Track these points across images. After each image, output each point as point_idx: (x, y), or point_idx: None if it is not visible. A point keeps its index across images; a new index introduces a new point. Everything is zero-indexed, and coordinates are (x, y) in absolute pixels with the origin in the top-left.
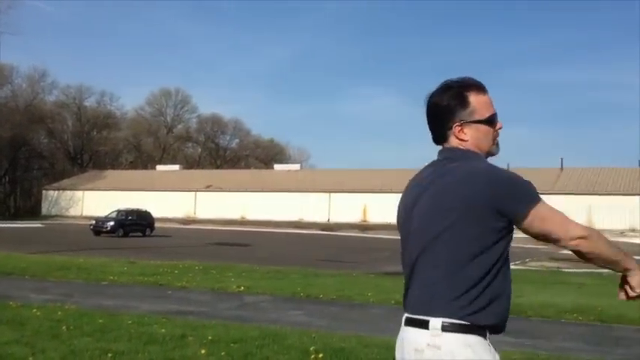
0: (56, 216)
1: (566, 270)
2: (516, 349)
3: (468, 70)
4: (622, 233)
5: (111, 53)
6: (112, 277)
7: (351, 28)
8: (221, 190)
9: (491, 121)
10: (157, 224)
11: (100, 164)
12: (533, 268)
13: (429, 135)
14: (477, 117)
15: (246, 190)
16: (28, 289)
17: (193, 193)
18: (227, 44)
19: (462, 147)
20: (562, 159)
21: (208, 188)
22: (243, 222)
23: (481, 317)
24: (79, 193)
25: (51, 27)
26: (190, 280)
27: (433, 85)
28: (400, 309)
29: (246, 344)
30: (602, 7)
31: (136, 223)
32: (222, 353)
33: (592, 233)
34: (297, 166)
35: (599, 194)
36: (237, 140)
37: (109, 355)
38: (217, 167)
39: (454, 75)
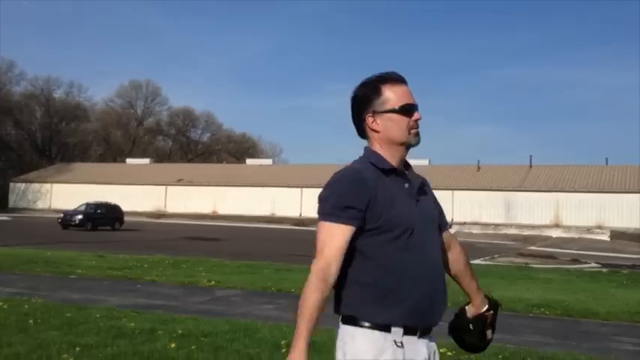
0: (24, 209)
1: (534, 266)
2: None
3: (438, 67)
4: (589, 230)
5: (80, 44)
6: (80, 271)
7: (325, 25)
8: (192, 184)
9: (405, 110)
10: (126, 218)
11: (68, 157)
12: (502, 264)
13: None
14: (389, 106)
15: (217, 185)
16: None
17: (164, 187)
18: (200, 37)
19: (369, 145)
20: (531, 156)
21: (179, 182)
22: (214, 217)
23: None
24: (47, 186)
25: (18, 18)
26: (160, 274)
27: (414, 81)
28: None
29: (217, 338)
30: (571, 6)
31: (105, 216)
32: (193, 347)
33: (307, 290)
34: (269, 161)
35: (567, 191)
36: (208, 134)
37: (77, 348)
38: (189, 161)
39: (423, 72)
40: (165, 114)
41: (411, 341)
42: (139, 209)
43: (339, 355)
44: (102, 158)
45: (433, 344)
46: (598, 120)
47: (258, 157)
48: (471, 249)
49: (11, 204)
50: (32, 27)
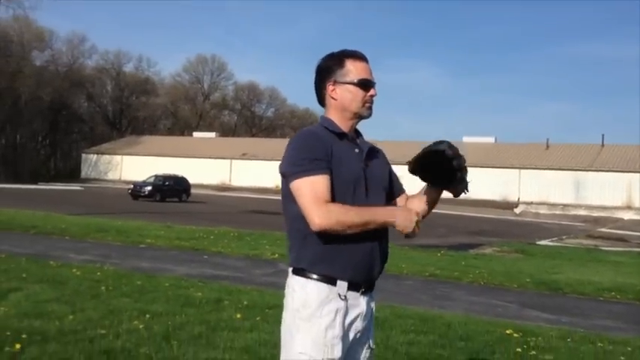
0: (95, 179)
1: (604, 248)
2: (553, 325)
3: (508, 43)
4: None
5: (148, 18)
6: (149, 240)
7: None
8: (256, 158)
9: (363, 84)
10: (192, 190)
11: (138, 130)
12: (570, 246)
13: (466, 109)
14: (349, 79)
15: (280, 159)
16: (68, 249)
17: (229, 160)
18: (265, 12)
19: (324, 114)
20: (603, 135)
21: (244, 156)
22: (277, 191)
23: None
24: (117, 158)
25: None
26: (226, 246)
27: (472, 58)
28: (433, 281)
29: (281, 310)
30: None
31: (173, 188)
32: (257, 318)
33: (331, 220)
34: None
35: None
36: (272, 109)
37: (147, 315)
38: (253, 135)
39: (492, 47)
40: (230, 89)
41: (354, 296)
42: (205, 182)
43: (287, 300)
44: (170, 132)
45: (373, 303)
46: None
47: None
48: (537, 229)
49: (83, 175)
50: (102, 1)
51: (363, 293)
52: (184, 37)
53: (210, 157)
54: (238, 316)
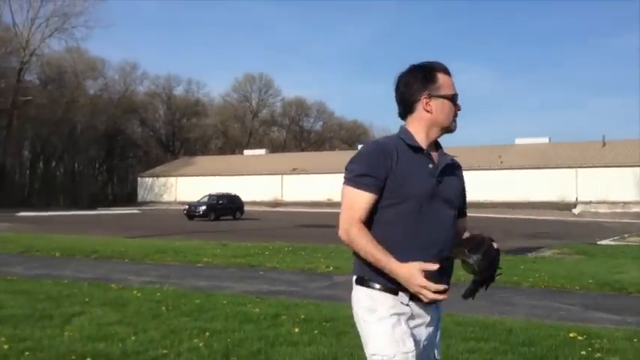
0: (151, 202)
1: None
2: (618, 326)
3: (559, 36)
4: None
5: (195, 41)
6: (206, 259)
7: (431, 4)
8: (307, 172)
9: (454, 98)
10: (245, 207)
11: (190, 150)
12: (633, 244)
13: (517, 110)
14: (443, 92)
15: (331, 172)
16: (128, 272)
17: (280, 176)
18: (307, 26)
19: (406, 126)
20: None
21: (294, 171)
22: (329, 204)
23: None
24: (172, 179)
25: (138, 18)
26: (281, 261)
27: (518, 56)
28: (492, 287)
29: (339, 323)
30: None
31: (227, 207)
32: (316, 332)
33: (349, 239)
34: None
35: None
36: (321, 122)
37: (207, 333)
38: (302, 150)
39: (539, 43)
40: (278, 105)
41: (417, 306)
42: (257, 199)
43: (355, 308)
44: (221, 151)
45: (439, 314)
46: None
47: None
48: (598, 229)
49: (140, 198)
50: (150, 28)
51: (427, 303)
52: (232, 57)
53: (261, 174)
54: (296, 330)
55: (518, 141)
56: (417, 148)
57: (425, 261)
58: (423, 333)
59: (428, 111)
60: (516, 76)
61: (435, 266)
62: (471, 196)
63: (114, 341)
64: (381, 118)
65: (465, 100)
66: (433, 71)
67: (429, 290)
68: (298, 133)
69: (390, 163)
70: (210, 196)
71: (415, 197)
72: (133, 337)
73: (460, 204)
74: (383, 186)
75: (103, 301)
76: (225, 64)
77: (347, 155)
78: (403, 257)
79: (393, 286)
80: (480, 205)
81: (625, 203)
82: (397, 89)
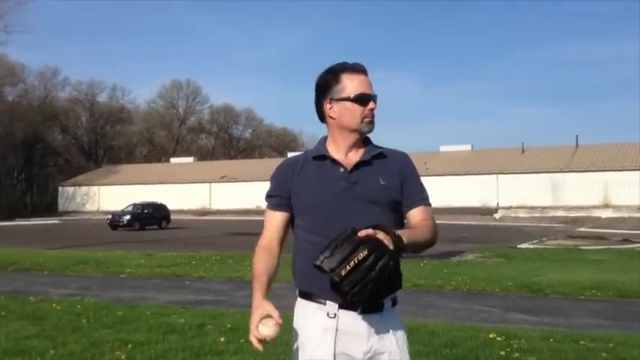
0: (73, 212)
1: (584, 247)
2: (536, 327)
3: (480, 47)
4: (639, 209)
5: (119, 47)
6: (129, 270)
7: (361, 12)
8: (236, 180)
9: (360, 99)
10: (172, 216)
11: (114, 159)
12: (551, 247)
13: (443, 117)
14: (345, 94)
15: (260, 180)
16: (47, 284)
17: (208, 184)
18: (235, 32)
19: (327, 133)
20: (577, 136)
21: (223, 179)
22: (259, 211)
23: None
24: (94, 189)
25: (59, 23)
26: (208, 270)
27: (448, 65)
28: (417, 291)
29: None
30: None
31: (152, 216)
32: (242, 340)
33: (253, 260)
34: None
35: (616, 170)
36: (250, 130)
37: (129, 345)
38: (231, 158)
39: (463, 55)
40: (206, 112)
41: (350, 315)
42: (185, 207)
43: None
44: (147, 159)
45: (388, 320)
46: None
47: (300, 151)
48: (517, 233)
49: (61, 208)
50: (72, 33)
51: (364, 312)
52: (158, 64)
53: (188, 182)
54: (222, 339)
55: (443, 148)
56: (321, 157)
57: None
58: (358, 349)
59: (331, 116)
60: (440, 85)
61: (272, 321)
62: None
63: (32, 355)
64: (311, 125)
65: (391, 109)
66: (335, 73)
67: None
68: (227, 141)
69: (290, 180)
70: (134, 205)
71: (312, 207)
72: (52, 351)
73: (389, 197)
74: (290, 204)
75: (20, 315)
76: (151, 71)
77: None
78: (312, 273)
79: (314, 294)
80: None
81: (543, 208)
82: (314, 95)
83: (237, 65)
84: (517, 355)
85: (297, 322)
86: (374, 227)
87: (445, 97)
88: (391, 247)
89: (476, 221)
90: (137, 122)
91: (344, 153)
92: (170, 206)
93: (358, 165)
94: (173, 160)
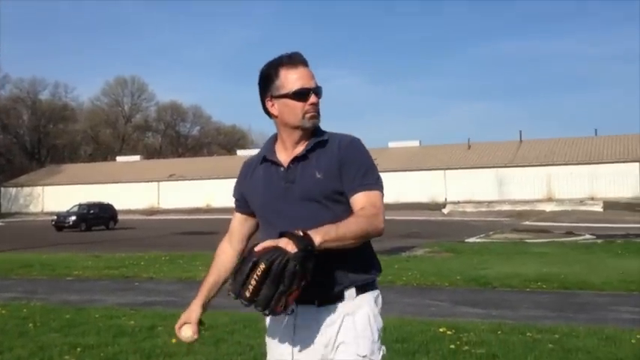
0: (16, 213)
1: (529, 241)
2: (484, 319)
3: (426, 45)
4: (582, 202)
5: (62, 44)
6: (76, 272)
7: (308, 10)
8: (184, 178)
9: (299, 94)
10: (120, 216)
11: (58, 158)
12: (497, 241)
13: (389, 115)
14: (284, 91)
15: (210, 178)
16: None
17: (156, 183)
18: (182, 29)
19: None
20: (520, 131)
21: (171, 177)
22: (208, 210)
23: None
24: (38, 189)
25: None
26: (157, 271)
27: (388, 64)
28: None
29: (217, 330)
30: None
31: (99, 216)
32: None
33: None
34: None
35: (558, 164)
36: (198, 127)
37: (78, 349)
38: (179, 156)
39: (409, 52)
40: (152, 110)
41: (308, 309)
42: (133, 207)
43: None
44: (92, 158)
45: (349, 309)
46: (585, 91)
47: (249, 148)
48: (465, 227)
49: (3, 209)
50: (13, 29)
51: (321, 304)
52: (102, 60)
53: (136, 181)
54: (173, 341)
55: (392, 144)
56: (263, 159)
57: None
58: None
59: (274, 114)
60: (388, 83)
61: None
62: None
63: None
64: (260, 123)
65: (340, 106)
66: (272, 69)
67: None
68: (175, 139)
69: (243, 182)
70: (80, 205)
71: (259, 211)
72: None
73: (327, 191)
74: (247, 204)
75: None
76: (95, 68)
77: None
78: None
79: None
80: None
81: (489, 202)
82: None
83: (183, 62)
84: (467, 348)
85: (265, 324)
86: (280, 235)
87: (392, 95)
88: (294, 250)
89: (425, 216)
90: (81, 120)
91: (291, 150)
92: (117, 206)
93: (294, 161)
94: (119, 158)
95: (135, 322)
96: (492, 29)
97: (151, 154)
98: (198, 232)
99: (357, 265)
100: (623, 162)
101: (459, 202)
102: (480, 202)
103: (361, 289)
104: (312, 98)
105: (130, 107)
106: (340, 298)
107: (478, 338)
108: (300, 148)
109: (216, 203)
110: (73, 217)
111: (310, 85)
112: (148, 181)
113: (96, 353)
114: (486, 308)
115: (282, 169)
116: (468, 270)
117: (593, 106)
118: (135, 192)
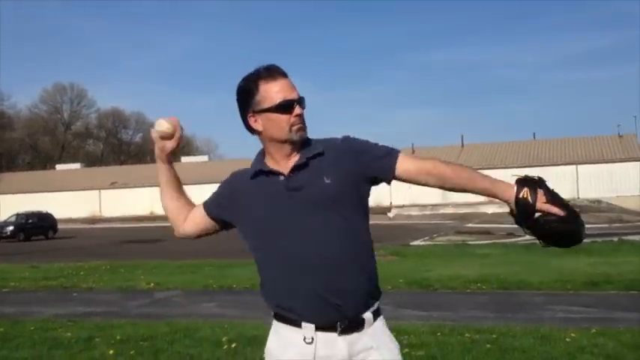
0: None
1: (472, 242)
2: (424, 321)
3: (366, 53)
4: None
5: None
6: (13, 284)
7: (251, 17)
8: (127, 186)
9: (283, 107)
10: (60, 225)
11: None
12: (441, 243)
13: (336, 123)
14: (266, 105)
15: (153, 185)
16: None
17: (97, 191)
18: (124, 36)
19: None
20: (462, 136)
21: (113, 185)
22: (152, 217)
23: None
24: None
25: None
26: (97, 281)
27: (333, 72)
28: None
29: (157, 341)
30: None
31: (38, 225)
32: (132, 352)
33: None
34: (205, 158)
35: (499, 167)
36: (140, 134)
37: None
38: (122, 163)
39: (352, 60)
40: (93, 117)
41: (329, 337)
42: (74, 216)
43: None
44: (30, 166)
45: (371, 338)
46: (524, 96)
47: (194, 155)
48: (410, 231)
49: None
50: None
51: (344, 332)
52: (40, 67)
53: (76, 190)
54: (111, 352)
55: None
56: (255, 173)
57: (305, 291)
58: None
59: (257, 130)
60: (333, 90)
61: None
62: None
63: None
64: (204, 130)
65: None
66: (251, 83)
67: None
68: (116, 146)
69: (230, 195)
70: (18, 215)
71: (259, 231)
72: None
73: (339, 194)
74: (214, 217)
75: None
76: (32, 75)
77: None
78: (286, 301)
79: (292, 317)
80: None
81: (433, 205)
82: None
83: (125, 69)
84: (406, 350)
85: (270, 348)
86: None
87: (339, 102)
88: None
89: (371, 220)
90: (18, 128)
91: (284, 162)
92: (58, 215)
93: (294, 170)
94: (59, 166)
95: (72, 334)
96: (430, 36)
97: (92, 161)
98: (141, 241)
99: (374, 285)
100: (561, 164)
101: (404, 206)
102: (424, 206)
103: (376, 315)
104: (297, 109)
105: (70, 114)
106: (361, 325)
107: (418, 340)
108: (295, 159)
109: (160, 211)
110: (11, 227)
111: (293, 96)
112: (89, 189)
113: None
114: (428, 310)
115: (282, 177)
116: (411, 273)
117: (531, 111)
118: (76, 200)
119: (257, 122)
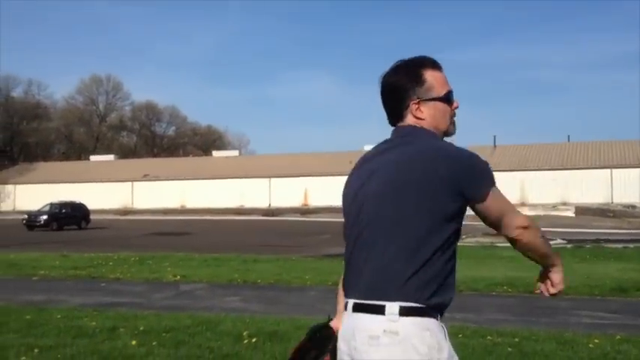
0: None
1: (500, 245)
2: (447, 323)
3: (401, 51)
4: (554, 207)
5: (36, 41)
6: (43, 272)
7: (281, 12)
8: (158, 179)
9: (448, 98)
10: (93, 216)
11: (31, 156)
12: (469, 244)
13: (365, 117)
14: (434, 94)
15: (184, 178)
16: None
17: (130, 183)
18: (158, 29)
19: (417, 126)
20: (495, 136)
21: (145, 178)
22: (182, 211)
23: (436, 298)
24: (9, 187)
25: None
26: (125, 272)
27: (364, 67)
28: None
29: (179, 333)
30: None
31: (71, 215)
32: (154, 343)
33: (533, 225)
34: (236, 152)
35: (532, 170)
36: (173, 128)
37: (36, 350)
38: (154, 156)
39: (383, 56)
40: (127, 109)
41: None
42: (106, 207)
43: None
44: (65, 156)
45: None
46: (558, 98)
47: (225, 149)
48: None
49: None
50: None
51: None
52: (76, 58)
53: (109, 181)
54: (133, 342)
55: (367, 147)
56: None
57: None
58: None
59: (420, 118)
60: (361, 85)
61: None
62: (326, 201)
63: None
64: (236, 124)
65: (313, 109)
66: (419, 70)
67: None
68: (150, 139)
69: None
70: (52, 204)
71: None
72: None
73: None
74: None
75: None
76: (69, 66)
77: (201, 161)
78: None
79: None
80: (334, 210)
81: None
82: (382, 94)
83: (159, 62)
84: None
85: (451, 353)
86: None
87: (365, 98)
88: None
89: None
90: (55, 119)
91: None
92: (90, 206)
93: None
94: (93, 157)
95: (96, 324)
96: (471, 34)
97: (125, 153)
98: (170, 233)
99: None
100: (596, 168)
101: None
102: None
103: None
104: (456, 102)
105: (105, 106)
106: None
107: None
108: None
109: (191, 204)
110: (45, 217)
111: (451, 89)
112: (121, 181)
113: (53, 355)
114: (450, 311)
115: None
116: None
117: (566, 113)
118: (108, 192)
119: (420, 110)
